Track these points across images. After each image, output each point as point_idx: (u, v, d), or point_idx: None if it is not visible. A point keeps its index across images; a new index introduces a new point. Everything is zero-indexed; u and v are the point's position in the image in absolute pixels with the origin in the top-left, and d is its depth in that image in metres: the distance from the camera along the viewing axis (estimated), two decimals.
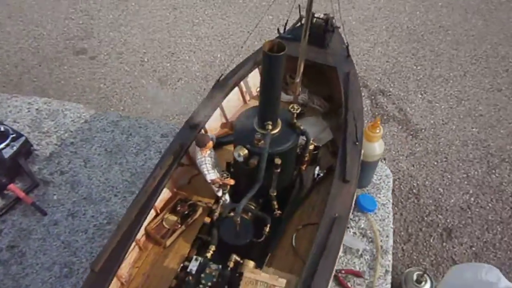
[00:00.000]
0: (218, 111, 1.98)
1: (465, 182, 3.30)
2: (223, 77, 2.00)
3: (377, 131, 2.01)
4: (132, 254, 1.59)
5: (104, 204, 2.15)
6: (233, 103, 2.09)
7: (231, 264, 1.47)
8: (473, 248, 2.99)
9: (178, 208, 1.72)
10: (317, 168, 1.89)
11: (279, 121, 1.58)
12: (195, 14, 4.71)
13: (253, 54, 2.16)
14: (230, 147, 1.95)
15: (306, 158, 1.71)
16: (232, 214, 1.64)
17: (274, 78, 1.40)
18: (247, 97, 2.18)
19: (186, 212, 1.71)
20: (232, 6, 4.80)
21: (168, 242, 1.65)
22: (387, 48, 4.29)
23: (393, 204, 2.44)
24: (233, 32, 4.51)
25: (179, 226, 1.67)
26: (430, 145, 3.51)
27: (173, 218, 1.70)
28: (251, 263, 1.50)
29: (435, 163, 3.41)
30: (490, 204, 3.19)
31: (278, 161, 1.53)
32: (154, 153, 2.37)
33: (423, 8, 4.77)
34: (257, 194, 1.53)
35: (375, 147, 2.05)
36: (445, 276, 2.57)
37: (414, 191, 3.25)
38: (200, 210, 1.74)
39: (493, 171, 3.36)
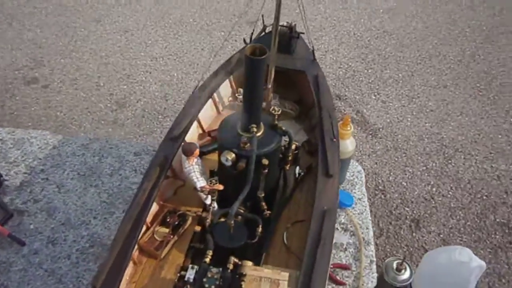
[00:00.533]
0: (194, 123, 2.01)
1: (426, 174, 3.48)
2: (197, 89, 2.04)
3: (348, 128, 2.11)
4: (128, 269, 1.57)
5: (84, 228, 2.11)
6: (207, 114, 2.13)
7: (231, 266, 1.49)
8: (441, 235, 3.16)
9: (168, 220, 1.72)
10: (297, 167, 1.96)
11: (262, 124, 1.64)
12: (147, 36, 4.72)
13: (223, 64, 2.21)
14: (211, 156, 1.98)
15: (290, 158, 1.77)
16: (223, 219, 1.67)
17: (257, 81, 1.46)
18: (220, 108, 2.23)
19: (177, 223, 1.72)
20: (184, 26, 4.86)
21: (163, 254, 1.65)
22: (338, 55, 4.49)
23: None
24: (187, 50, 4.56)
25: (172, 237, 1.67)
26: (389, 143, 3.69)
27: (164, 230, 1.70)
28: (249, 263, 1.53)
29: (396, 159, 3.59)
30: (450, 192, 3.38)
31: (265, 161, 1.58)
32: (129, 172, 2.36)
33: (366, 15, 5.04)
34: (245, 197, 1.57)
35: (347, 144, 2.14)
36: (421, 263, 2.69)
37: (380, 187, 3.39)
38: (190, 220, 1.75)
39: (449, 161, 3.57)
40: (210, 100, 2.10)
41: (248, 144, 1.56)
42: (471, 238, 3.14)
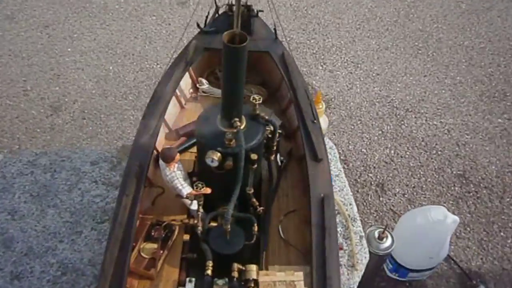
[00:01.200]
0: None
1: (382, 138, 3.53)
2: (156, 84, 1.86)
3: (320, 106, 2.03)
4: None
5: (51, 255, 1.89)
6: (171, 111, 1.95)
7: (236, 274, 1.38)
8: (406, 195, 3.23)
9: (153, 234, 1.56)
10: (278, 155, 1.85)
11: (243, 116, 1.51)
12: (71, 29, 4.33)
13: (180, 55, 2.02)
14: (184, 156, 1.83)
15: (274, 148, 1.66)
16: (213, 223, 1.55)
17: (239, 71, 1.32)
18: (183, 101, 2.05)
19: (163, 235, 1.56)
20: (110, 13, 4.50)
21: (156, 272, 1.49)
22: (278, 28, 4.38)
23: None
24: (119, 40, 4.24)
25: (161, 252, 1.52)
26: (343, 112, 3.69)
27: (152, 245, 1.55)
28: (253, 267, 1.42)
29: (352, 127, 3.60)
30: (408, 153, 3.46)
31: (254, 156, 1.47)
32: (89, 184, 2.14)
33: None
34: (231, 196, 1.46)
35: (321, 122, 2.07)
36: (396, 227, 2.74)
37: (342, 157, 3.38)
38: (177, 230, 1.60)
39: (402, 122, 3.64)
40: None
41: (234, 140, 1.43)
42: (433, 193, 3.24)
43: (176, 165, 1.50)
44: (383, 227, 2.40)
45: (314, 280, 1.32)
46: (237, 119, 1.43)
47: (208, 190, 1.49)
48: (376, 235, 2.41)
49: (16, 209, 2.02)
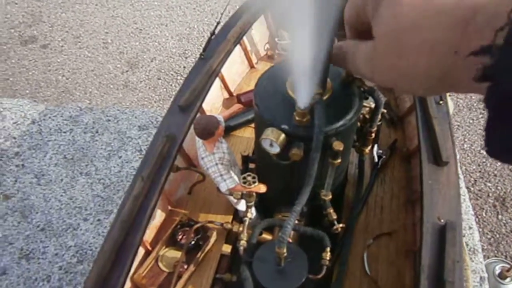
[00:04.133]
0: (217, 82, 1.34)
1: None
2: (217, 29, 1.36)
3: None
4: None
5: (70, 235, 1.52)
6: (236, 69, 1.45)
7: None
8: None
9: (180, 237, 1.09)
10: (376, 146, 1.27)
11: (329, 81, 0.95)
12: None
13: None
14: (243, 132, 1.33)
15: (372, 136, 1.08)
16: (266, 236, 1.04)
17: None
18: (254, 59, 1.54)
19: (193, 242, 1.09)
20: None
21: None
22: None
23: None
24: None
25: (185, 267, 1.05)
26: (460, 100, 2.95)
27: (174, 254, 1.08)
28: None
29: (471, 121, 2.88)
30: None
31: (338, 145, 0.91)
32: (132, 153, 1.74)
33: None
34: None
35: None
36: None
37: None
38: (214, 236, 1.11)
39: None
40: (238, 48, 1.41)
41: (308, 117, 0.89)
42: None
43: (219, 144, 0.99)
44: (510, 263, 1.74)
45: None
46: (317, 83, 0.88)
47: (261, 188, 0.98)
48: (497, 271, 1.76)
49: (44, 172, 1.68)
